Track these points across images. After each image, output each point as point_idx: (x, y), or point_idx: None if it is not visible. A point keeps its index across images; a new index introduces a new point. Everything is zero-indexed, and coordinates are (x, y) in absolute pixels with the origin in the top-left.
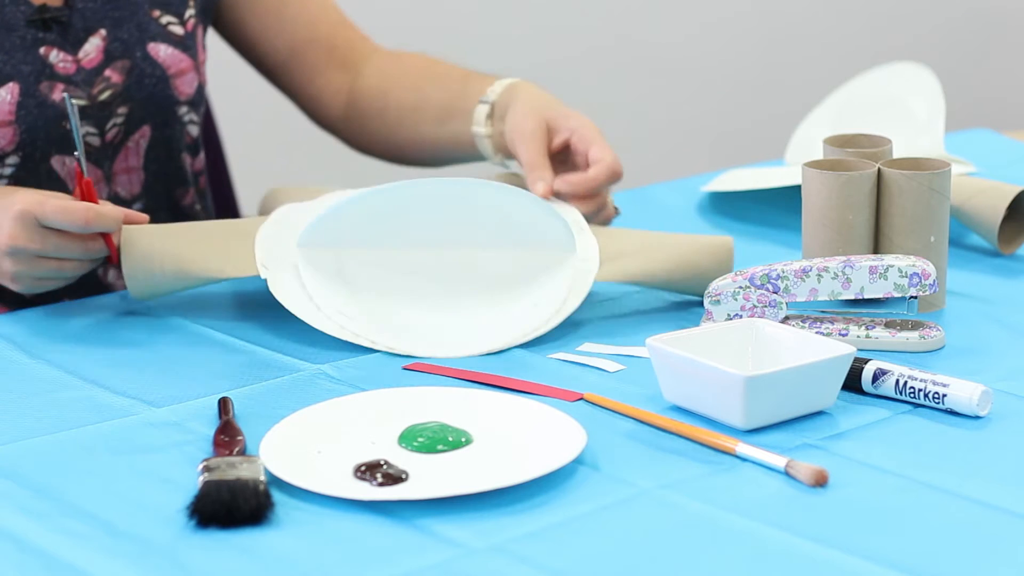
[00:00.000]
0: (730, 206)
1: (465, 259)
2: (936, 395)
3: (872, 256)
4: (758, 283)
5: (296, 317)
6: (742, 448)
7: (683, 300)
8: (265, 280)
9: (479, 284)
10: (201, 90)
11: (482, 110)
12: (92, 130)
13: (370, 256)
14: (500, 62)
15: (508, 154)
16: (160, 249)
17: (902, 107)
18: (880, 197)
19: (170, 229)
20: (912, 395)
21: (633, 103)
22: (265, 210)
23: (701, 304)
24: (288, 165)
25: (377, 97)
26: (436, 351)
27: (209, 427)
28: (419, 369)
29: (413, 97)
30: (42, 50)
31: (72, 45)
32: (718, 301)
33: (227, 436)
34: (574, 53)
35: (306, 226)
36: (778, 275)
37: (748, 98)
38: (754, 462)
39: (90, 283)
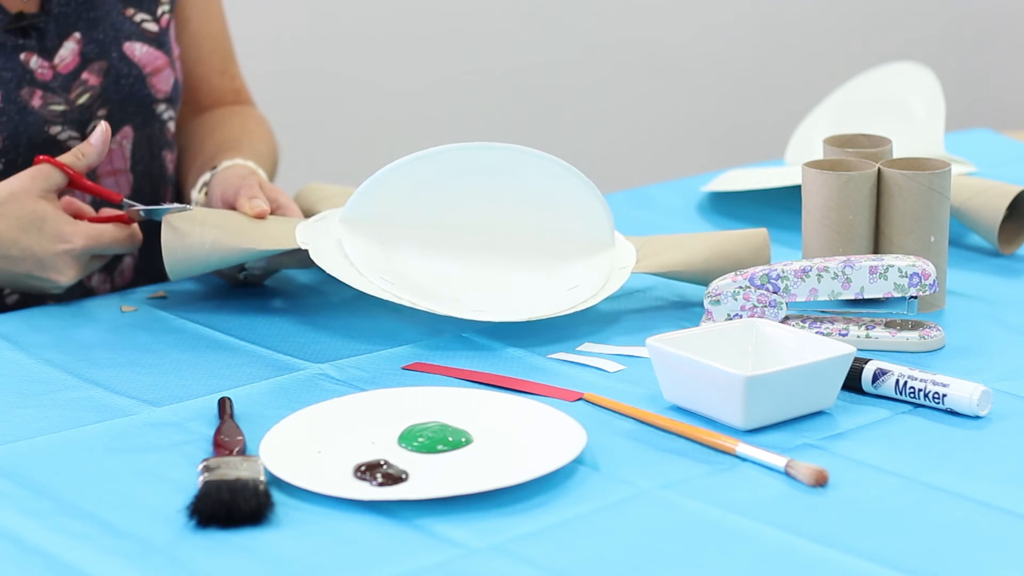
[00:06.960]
0: (730, 206)
1: (507, 231)
2: (936, 395)
3: (872, 256)
4: (758, 283)
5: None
6: (742, 448)
7: (683, 300)
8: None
9: (519, 256)
10: (177, 86)
11: (205, 176)
12: (74, 134)
13: (412, 225)
14: (500, 62)
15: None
16: (201, 222)
17: (902, 107)
18: (880, 197)
19: (210, 210)
20: (912, 395)
21: (633, 103)
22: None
23: (701, 304)
24: (286, 163)
25: (184, 138)
26: (476, 315)
27: (209, 427)
28: (419, 369)
29: (191, 145)
30: (22, 56)
31: (49, 51)
32: (718, 301)
33: (227, 436)
34: (574, 53)
35: (349, 201)
36: (778, 275)
37: (748, 98)
38: (754, 462)
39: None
